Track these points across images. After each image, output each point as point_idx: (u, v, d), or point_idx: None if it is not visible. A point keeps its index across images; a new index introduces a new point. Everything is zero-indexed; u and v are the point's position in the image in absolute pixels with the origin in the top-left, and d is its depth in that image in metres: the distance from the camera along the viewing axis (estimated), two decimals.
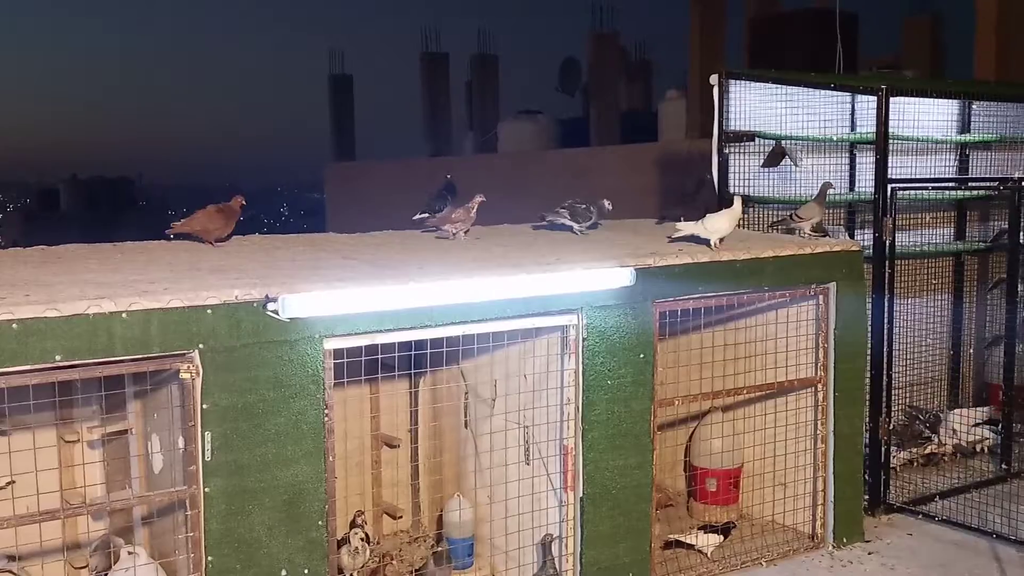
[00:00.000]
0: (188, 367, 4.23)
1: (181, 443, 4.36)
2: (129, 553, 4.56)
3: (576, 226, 6.35)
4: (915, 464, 7.37)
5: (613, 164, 16.99)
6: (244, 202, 5.74)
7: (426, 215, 6.52)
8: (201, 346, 4.24)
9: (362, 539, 5.41)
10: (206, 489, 4.30)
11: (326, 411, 4.58)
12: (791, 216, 6.54)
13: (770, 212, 7.30)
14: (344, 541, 5.33)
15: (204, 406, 4.27)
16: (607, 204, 6.45)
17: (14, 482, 4.76)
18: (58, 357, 3.96)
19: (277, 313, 4.35)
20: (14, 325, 3.86)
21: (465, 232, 6.18)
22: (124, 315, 4.07)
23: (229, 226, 5.70)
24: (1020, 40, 14.82)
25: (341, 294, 4.51)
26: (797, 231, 6.45)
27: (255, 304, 4.35)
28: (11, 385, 3.94)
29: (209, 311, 4.26)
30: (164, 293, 4.22)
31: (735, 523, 6.14)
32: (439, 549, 5.44)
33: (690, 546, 5.95)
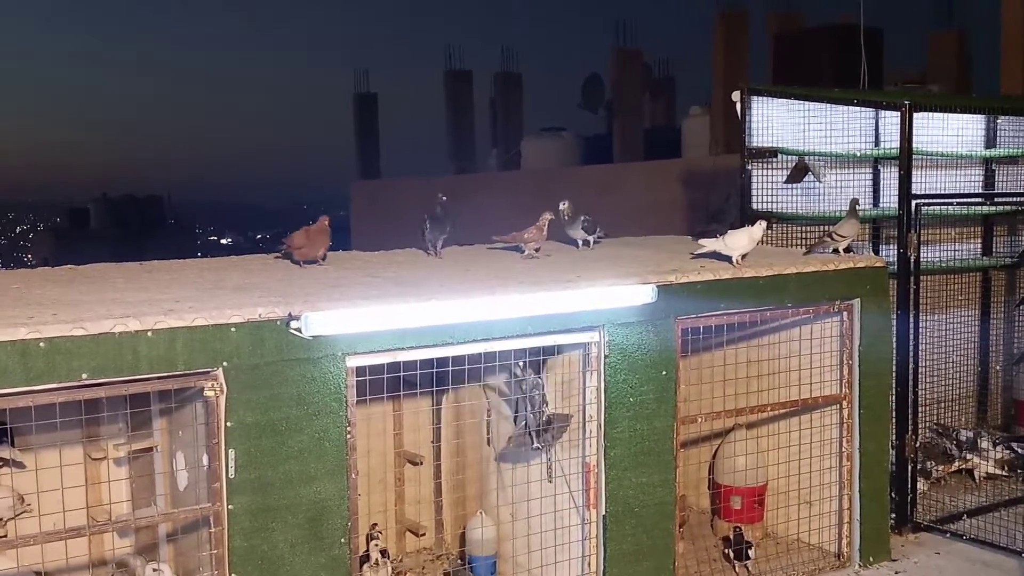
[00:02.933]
0: (212, 385, 4.27)
1: (205, 460, 4.39)
2: (154, 570, 4.59)
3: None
4: (942, 482, 7.30)
5: (637, 181, 16.98)
6: (328, 222, 5.78)
7: (428, 245, 6.28)
8: (225, 364, 4.28)
9: (381, 552, 5.42)
10: (230, 506, 4.33)
11: (349, 428, 4.60)
12: (831, 236, 6.31)
13: (793, 229, 7.27)
14: (366, 558, 5.34)
15: (228, 423, 4.31)
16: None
17: (29, 505, 4.81)
18: (85, 375, 4.01)
19: (300, 331, 4.39)
20: (41, 344, 3.91)
21: (537, 249, 6.20)
22: (149, 334, 4.11)
23: (315, 246, 5.74)
24: None
25: (363, 312, 4.53)
26: (835, 250, 6.22)
27: (278, 322, 4.39)
28: (39, 403, 3.99)
29: (233, 329, 4.30)
30: (189, 312, 4.27)
31: (741, 531, 6.02)
32: (457, 568, 5.45)
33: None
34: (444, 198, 6.26)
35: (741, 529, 5.99)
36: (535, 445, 5.36)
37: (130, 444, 5.08)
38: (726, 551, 6.08)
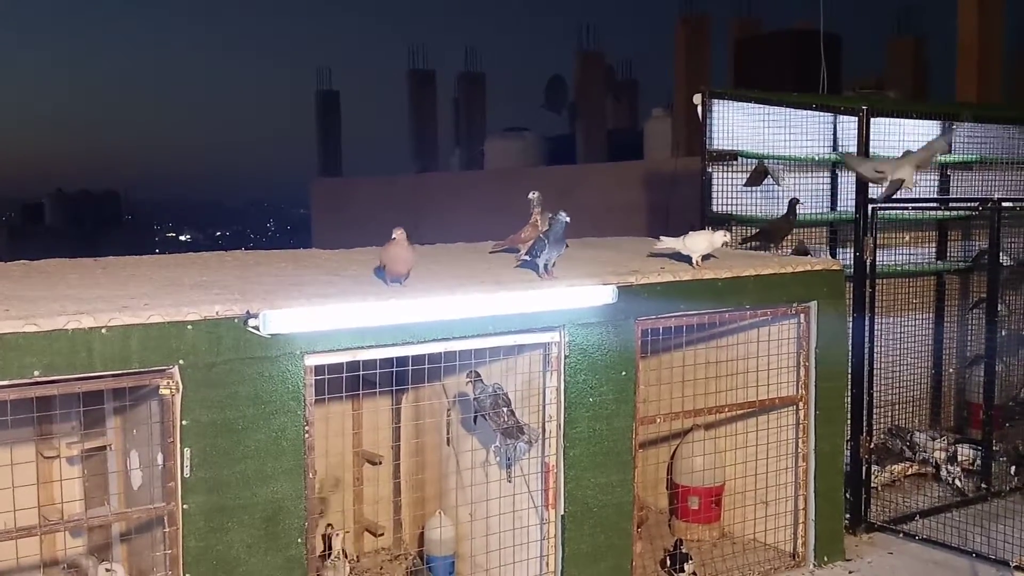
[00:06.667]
0: (168, 383, 4.22)
1: (160, 459, 4.34)
2: (107, 570, 4.53)
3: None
4: (896, 484, 7.40)
5: (599, 182, 17.05)
6: (401, 234, 4.81)
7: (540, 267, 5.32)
8: (181, 362, 4.23)
9: (342, 547, 5.39)
10: (185, 506, 4.28)
11: (307, 428, 4.57)
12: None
13: (752, 231, 7.34)
14: (324, 556, 5.31)
15: (184, 422, 4.25)
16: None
17: None
18: (37, 372, 3.94)
19: (258, 329, 4.35)
20: None
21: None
22: (104, 331, 4.05)
23: (395, 262, 4.86)
24: (999, 63, 15.02)
25: (322, 310, 4.50)
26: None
27: (236, 320, 4.35)
28: None
29: (189, 327, 4.24)
30: (144, 309, 4.21)
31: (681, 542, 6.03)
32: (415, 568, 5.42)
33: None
34: (567, 219, 5.33)
35: (682, 541, 6.01)
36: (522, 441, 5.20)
37: (83, 442, 5.00)
38: (664, 559, 6.03)
